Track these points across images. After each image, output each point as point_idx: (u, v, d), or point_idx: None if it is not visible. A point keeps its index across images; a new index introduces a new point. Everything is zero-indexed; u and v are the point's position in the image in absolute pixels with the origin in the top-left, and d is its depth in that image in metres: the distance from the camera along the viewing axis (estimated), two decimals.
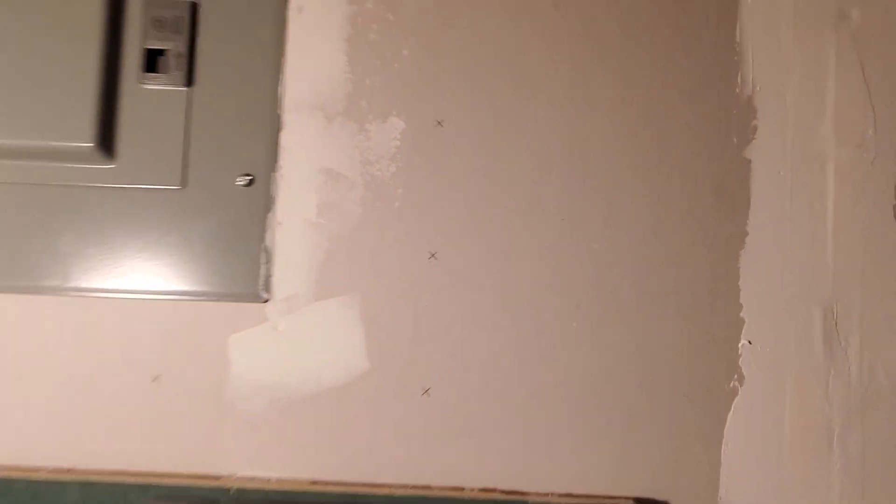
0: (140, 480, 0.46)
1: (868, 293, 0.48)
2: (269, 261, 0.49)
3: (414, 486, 0.46)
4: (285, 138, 0.50)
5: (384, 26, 0.50)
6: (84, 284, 0.49)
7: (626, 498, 0.47)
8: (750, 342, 0.48)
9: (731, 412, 0.48)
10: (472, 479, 0.47)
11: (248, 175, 0.49)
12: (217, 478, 0.47)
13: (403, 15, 0.50)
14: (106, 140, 0.49)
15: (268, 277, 0.49)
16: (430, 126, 0.50)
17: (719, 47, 0.50)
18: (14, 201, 0.50)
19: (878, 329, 0.48)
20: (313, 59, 0.50)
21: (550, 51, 0.50)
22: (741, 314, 0.48)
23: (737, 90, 0.50)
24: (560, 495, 0.46)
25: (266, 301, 0.48)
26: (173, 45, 0.50)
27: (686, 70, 0.50)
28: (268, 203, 0.49)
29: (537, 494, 0.46)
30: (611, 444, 0.47)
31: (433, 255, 0.49)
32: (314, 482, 0.47)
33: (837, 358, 0.48)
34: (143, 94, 0.50)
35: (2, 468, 0.46)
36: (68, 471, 0.47)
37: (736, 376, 0.48)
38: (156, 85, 0.50)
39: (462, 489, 0.46)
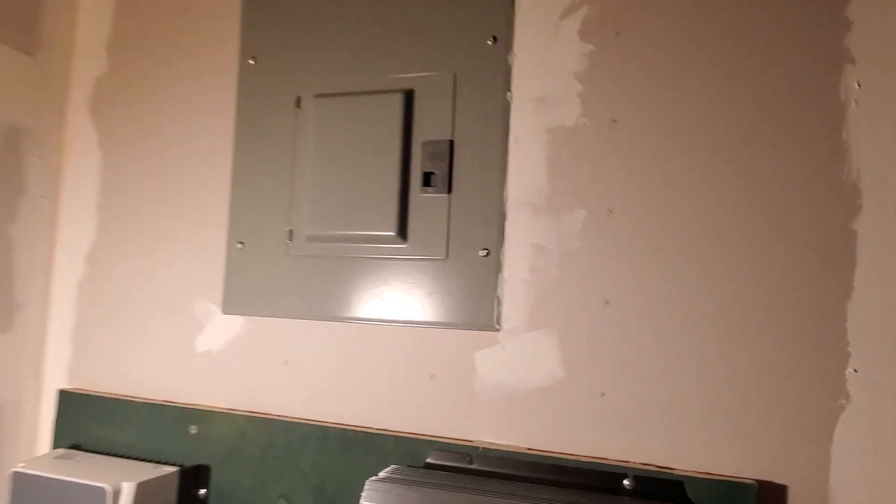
0: (426, 438, 0.76)
1: None
2: (499, 305, 0.76)
3: (592, 457, 0.70)
4: (508, 225, 0.76)
5: (571, 148, 0.75)
6: (388, 317, 0.80)
7: (751, 479, 0.65)
8: (855, 370, 0.63)
9: (838, 422, 0.63)
10: (635, 455, 0.69)
11: (486, 249, 0.77)
12: (470, 441, 0.75)
13: (584, 139, 0.74)
14: (402, 229, 0.80)
15: (499, 316, 0.76)
16: (604, 213, 0.73)
17: (829, 145, 0.66)
18: (346, 267, 0.83)
19: None
20: (525, 172, 0.76)
21: (692, 156, 0.70)
22: (847, 349, 0.64)
23: (843, 177, 0.65)
24: (698, 472, 0.66)
25: (498, 330, 0.76)
26: (439, 169, 0.80)
27: (802, 163, 0.66)
28: (498, 267, 0.76)
29: (682, 470, 0.66)
30: (740, 438, 0.66)
31: (607, 302, 0.72)
32: (529, 448, 0.72)
33: None
34: (422, 200, 0.80)
35: (347, 427, 0.79)
36: (385, 430, 0.78)
37: (843, 396, 0.63)
38: (429, 194, 0.80)
39: (627, 462, 0.69)
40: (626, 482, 0.66)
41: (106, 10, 0.99)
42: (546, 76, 0.76)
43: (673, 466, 0.67)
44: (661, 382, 0.69)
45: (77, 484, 0.76)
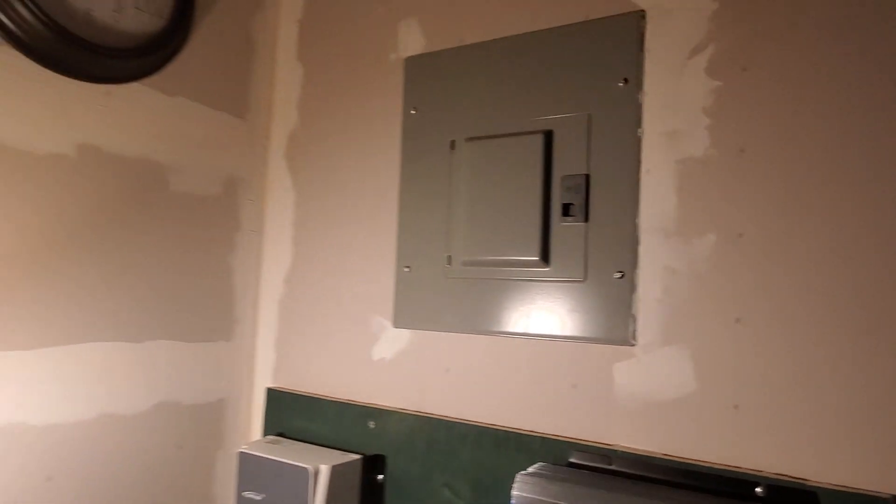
0: (568, 440, 0.85)
1: None
2: (634, 322, 0.83)
3: (725, 465, 0.75)
4: (641, 249, 0.84)
5: (700, 177, 0.80)
6: (533, 332, 0.91)
7: (888, 494, 0.66)
8: None
9: None
10: (768, 465, 0.73)
11: (620, 271, 0.85)
12: (609, 444, 0.83)
13: (712, 169, 0.80)
14: (544, 254, 0.90)
15: (634, 331, 0.83)
16: (734, 237, 0.78)
17: None
18: (496, 288, 0.95)
19: None
20: (656, 200, 0.83)
21: (820, 180, 0.73)
22: None
23: None
24: (833, 484, 0.69)
25: (633, 345, 0.83)
26: (577, 200, 0.89)
27: None
28: (632, 288, 0.84)
29: (815, 482, 0.70)
30: (877, 451, 0.68)
31: (738, 320, 0.77)
32: (665, 454, 0.79)
33: None
34: (562, 228, 0.90)
35: (499, 427, 0.91)
36: (532, 431, 0.89)
37: None
38: (568, 223, 0.89)
39: (760, 471, 0.73)
40: (758, 490, 0.71)
41: (296, 78, 1.20)
42: (675, 112, 0.83)
43: (806, 477, 0.71)
44: (795, 396, 0.73)
45: (286, 464, 0.95)
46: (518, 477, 0.78)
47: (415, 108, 1.05)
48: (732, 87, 0.79)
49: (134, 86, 0.99)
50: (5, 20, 0.83)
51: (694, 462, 0.76)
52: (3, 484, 0.85)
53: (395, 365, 1.03)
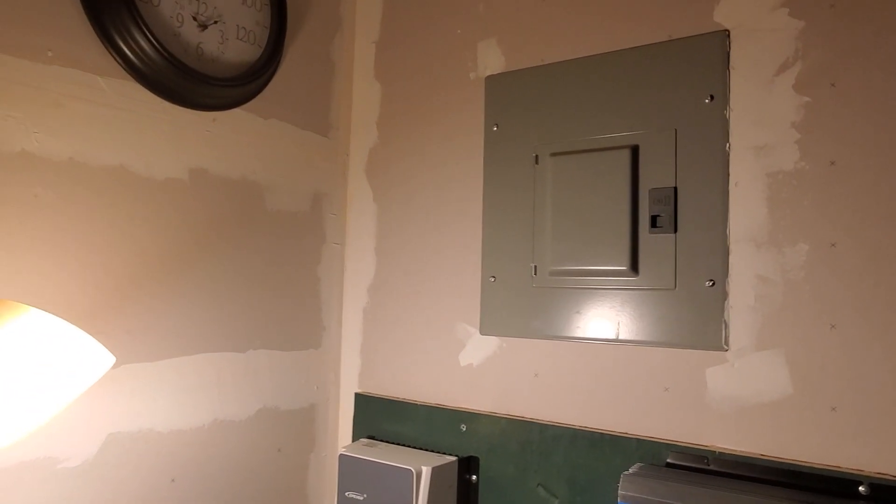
0: (664, 442, 0.89)
1: None
2: (726, 328, 0.87)
3: (825, 465, 0.78)
4: (732, 258, 0.88)
5: (790, 189, 0.84)
6: (623, 338, 0.95)
7: None
8: None
9: None
10: (870, 465, 0.76)
11: (711, 280, 0.89)
12: (706, 446, 0.87)
13: (803, 181, 0.83)
14: (633, 264, 0.94)
15: (726, 337, 0.87)
16: (826, 246, 0.81)
17: None
18: (584, 296, 0.99)
19: None
20: (746, 211, 0.87)
21: None
22: None
23: None
24: None
25: (726, 350, 0.87)
26: (665, 212, 0.93)
27: None
28: (724, 295, 0.88)
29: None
30: None
31: (833, 326, 0.80)
32: (763, 454, 0.83)
33: None
34: (651, 239, 0.94)
35: (594, 429, 0.95)
36: (626, 433, 0.93)
37: None
38: (657, 234, 0.93)
39: (861, 471, 0.76)
40: (861, 489, 0.74)
41: (375, 96, 1.26)
42: (763, 127, 0.86)
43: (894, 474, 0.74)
44: (891, 399, 0.76)
45: (388, 465, 1.00)
46: (623, 477, 0.82)
47: (497, 125, 1.10)
48: (821, 102, 0.83)
49: (236, 111, 1.06)
50: (130, 55, 0.90)
51: (793, 462, 0.80)
52: (136, 486, 0.91)
53: (483, 370, 1.08)
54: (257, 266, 1.10)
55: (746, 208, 0.87)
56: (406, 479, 0.97)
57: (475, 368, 1.09)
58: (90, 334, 0.66)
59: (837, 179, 0.81)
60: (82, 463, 0.85)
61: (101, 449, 0.88)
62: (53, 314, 0.64)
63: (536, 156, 1.05)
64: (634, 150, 0.95)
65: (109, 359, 0.61)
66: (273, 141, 1.13)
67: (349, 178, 1.29)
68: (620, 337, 0.95)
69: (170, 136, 0.97)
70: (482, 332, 1.09)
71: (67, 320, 0.64)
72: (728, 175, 0.88)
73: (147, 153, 0.94)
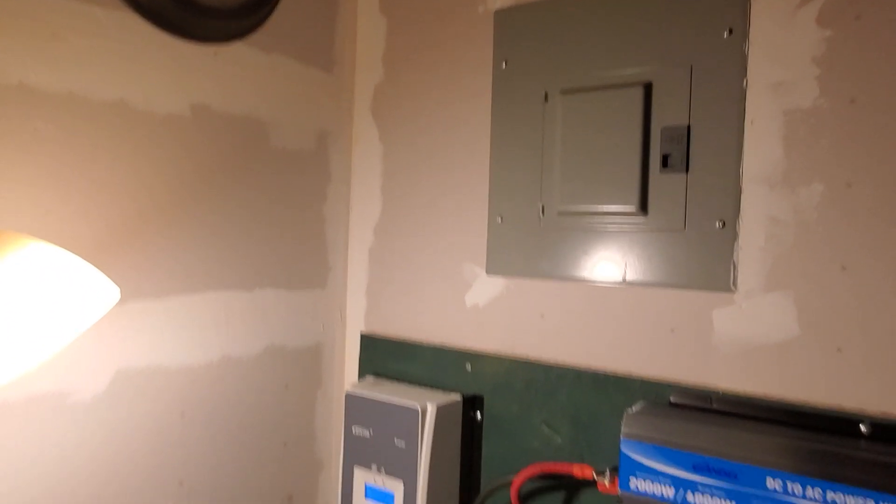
0: (668, 382, 0.90)
1: None
2: (735, 269, 0.86)
3: (828, 405, 0.79)
4: (744, 199, 0.86)
5: (808, 127, 0.82)
6: (630, 279, 0.94)
7: None
8: None
9: None
10: (873, 405, 0.77)
11: (721, 221, 0.87)
12: (710, 386, 0.87)
13: (821, 119, 0.81)
14: (643, 204, 0.93)
15: (735, 279, 0.86)
16: (842, 187, 0.80)
17: None
18: (591, 237, 0.98)
19: None
20: (761, 150, 0.85)
21: None
22: None
23: None
24: None
25: (734, 292, 0.86)
26: (677, 151, 0.91)
27: None
28: (734, 237, 0.86)
29: None
30: None
31: (844, 268, 0.79)
32: (766, 395, 0.83)
33: None
34: (661, 178, 0.92)
35: (598, 369, 0.96)
36: (630, 373, 0.94)
37: None
38: (668, 174, 0.91)
39: (863, 410, 0.77)
40: (862, 427, 0.75)
41: (380, 31, 1.22)
42: (782, 62, 0.83)
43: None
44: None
45: (393, 403, 1.02)
46: (626, 414, 0.83)
47: (505, 61, 1.07)
48: (844, 35, 0.79)
49: (237, 45, 1.03)
50: None
51: (796, 402, 0.81)
52: (147, 420, 0.93)
53: (489, 310, 1.08)
54: (263, 205, 1.09)
55: (761, 147, 0.85)
56: (412, 417, 0.99)
57: (481, 309, 1.09)
58: (100, 270, 0.66)
59: (857, 118, 0.79)
60: (93, 397, 0.87)
61: (111, 384, 0.89)
62: (61, 248, 0.63)
63: (546, 93, 1.02)
64: (647, 88, 0.92)
65: (115, 292, 0.61)
66: (276, 76, 1.10)
67: (354, 117, 1.26)
68: (627, 278, 0.94)
69: (170, 71, 0.94)
70: (488, 273, 1.08)
71: (76, 255, 0.64)
72: (744, 113, 0.86)
73: (147, 88, 0.91)
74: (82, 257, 0.64)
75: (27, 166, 0.80)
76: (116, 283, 0.68)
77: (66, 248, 0.63)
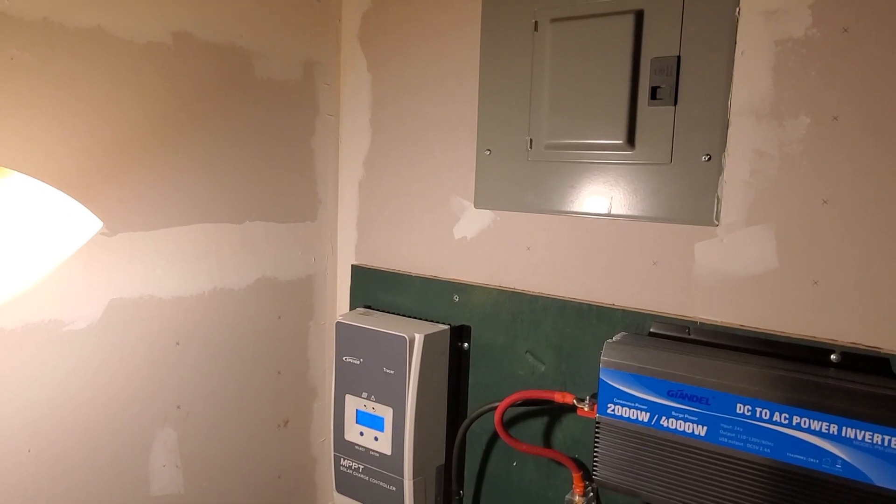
0: (648, 313, 0.92)
1: None
2: (718, 203, 0.87)
3: (802, 335, 0.81)
4: (731, 132, 0.85)
5: (798, 58, 0.80)
6: (615, 213, 0.95)
7: None
8: None
9: None
10: (844, 336, 0.79)
11: (707, 154, 0.87)
12: (689, 317, 0.89)
13: (812, 50, 0.79)
14: (630, 137, 0.92)
15: (718, 212, 0.87)
16: (828, 120, 0.79)
17: None
18: (578, 170, 0.98)
19: None
20: (750, 82, 0.84)
21: None
22: None
23: None
24: None
25: (716, 226, 0.87)
26: (666, 82, 0.89)
27: None
28: (719, 171, 0.86)
29: (889, 350, 0.76)
30: None
31: (825, 202, 0.80)
32: (742, 325, 0.85)
33: None
34: (649, 111, 0.91)
35: (581, 300, 0.98)
36: (612, 304, 0.96)
37: None
38: (656, 106, 0.90)
39: (836, 341, 0.79)
40: (833, 357, 0.77)
41: None
42: None
43: (880, 346, 0.77)
44: (875, 273, 0.77)
45: (383, 333, 1.04)
46: (606, 344, 0.86)
47: None
48: None
49: None
50: None
51: (771, 332, 0.83)
52: (142, 348, 0.96)
53: (476, 243, 1.10)
54: (250, 137, 1.08)
55: (751, 79, 0.84)
56: (400, 346, 1.02)
57: (469, 241, 1.10)
58: (81, 202, 0.66)
59: (848, 48, 0.77)
60: (87, 326, 0.89)
61: (105, 313, 0.91)
62: (42, 181, 0.64)
63: (536, 22, 1.00)
64: (639, 16, 0.90)
65: (96, 223, 0.62)
66: (259, 2, 1.07)
67: (342, 46, 1.23)
68: (613, 211, 0.95)
69: None
70: (476, 206, 1.09)
71: (57, 188, 0.64)
72: (735, 43, 0.84)
73: (126, 14, 0.89)
74: (68, 190, 0.65)
75: (5, 97, 0.79)
76: (104, 215, 0.69)
77: (50, 181, 0.63)
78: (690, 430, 0.79)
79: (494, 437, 1.08)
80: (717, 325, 0.87)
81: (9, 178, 0.55)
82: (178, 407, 1.02)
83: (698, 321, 0.88)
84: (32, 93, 0.81)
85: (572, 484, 0.97)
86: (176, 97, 0.97)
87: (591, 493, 0.96)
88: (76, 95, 0.85)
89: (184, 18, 0.96)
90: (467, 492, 1.12)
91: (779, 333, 0.83)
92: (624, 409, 0.84)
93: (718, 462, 0.77)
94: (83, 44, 0.85)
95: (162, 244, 0.97)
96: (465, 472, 1.12)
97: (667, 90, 0.89)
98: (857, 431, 0.70)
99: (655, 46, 0.90)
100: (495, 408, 0.97)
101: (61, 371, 0.87)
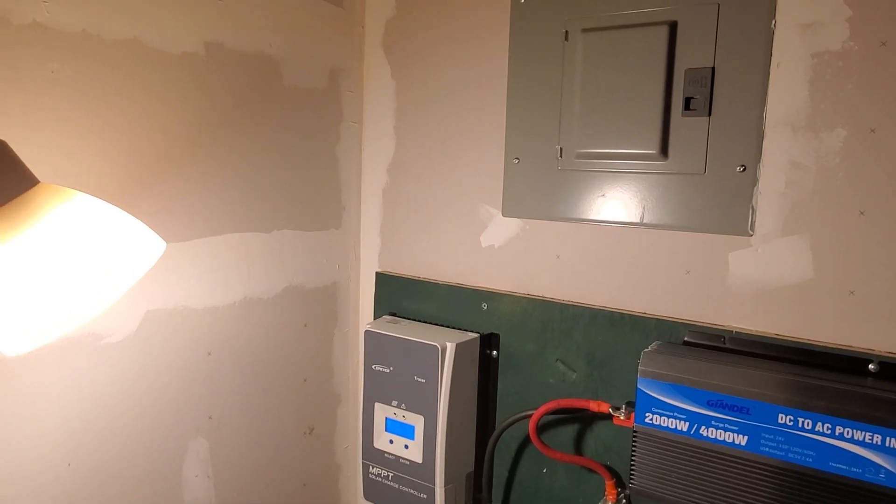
0: (682, 322, 0.93)
1: None
2: (753, 213, 0.88)
3: (839, 345, 0.82)
4: (766, 143, 0.86)
5: (835, 71, 0.81)
6: (648, 222, 0.95)
7: None
8: None
9: None
10: (881, 346, 0.80)
11: (742, 165, 0.88)
12: (723, 326, 0.90)
13: (849, 63, 0.80)
14: (664, 148, 0.93)
15: (752, 223, 0.88)
16: (865, 132, 0.80)
17: None
18: (610, 180, 0.99)
19: None
20: (786, 94, 0.84)
21: None
22: None
23: None
24: None
25: (751, 235, 0.88)
26: (700, 93, 0.90)
27: None
28: (754, 181, 0.87)
29: None
30: None
31: (862, 213, 0.81)
32: (778, 334, 0.86)
33: None
34: (683, 122, 0.92)
35: (614, 309, 0.98)
36: (645, 313, 0.96)
37: None
38: (690, 117, 0.91)
39: (873, 350, 0.80)
40: (871, 366, 0.79)
41: None
42: (813, 3, 0.81)
43: None
44: None
45: (413, 341, 1.04)
46: (643, 353, 0.86)
47: None
48: None
49: None
50: None
51: (807, 342, 0.84)
52: (176, 359, 0.96)
53: (505, 251, 1.10)
54: (278, 145, 1.08)
55: (786, 91, 0.84)
56: (432, 354, 1.02)
57: (496, 249, 1.11)
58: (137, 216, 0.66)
59: (886, 61, 0.78)
60: (124, 339, 0.89)
61: (141, 325, 0.91)
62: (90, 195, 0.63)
63: (566, 31, 1.00)
64: (672, 27, 0.91)
65: (160, 245, 0.62)
66: (286, 10, 1.07)
67: (366, 53, 1.23)
68: (645, 221, 0.96)
69: (183, 6, 0.91)
70: (504, 214, 1.09)
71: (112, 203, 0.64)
72: (770, 55, 0.85)
73: (160, 25, 0.89)
74: (109, 201, 0.64)
75: (46, 110, 0.78)
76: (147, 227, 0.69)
77: (91, 193, 0.63)
78: (731, 440, 0.80)
79: (524, 444, 1.08)
80: (752, 335, 0.88)
81: (73, 199, 0.55)
82: (210, 417, 1.02)
83: (733, 330, 0.89)
84: (72, 105, 0.81)
85: (604, 491, 0.98)
86: (209, 106, 0.96)
87: (624, 501, 0.97)
88: (113, 107, 0.85)
89: (215, 28, 0.96)
90: (496, 499, 1.13)
91: (815, 343, 0.84)
92: (662, 418, 0.85)
93: (760, 471, 0.78)
94: (120, 55, 0.85)
95: (195, 254, 0.97)
96: (494, 479, 1.12)
97: (701, 101, 0.90)
98: None
99: (689, 58, 0.90)
100: (529, 416, 0.98)
101: (99, 384, 0.87)
